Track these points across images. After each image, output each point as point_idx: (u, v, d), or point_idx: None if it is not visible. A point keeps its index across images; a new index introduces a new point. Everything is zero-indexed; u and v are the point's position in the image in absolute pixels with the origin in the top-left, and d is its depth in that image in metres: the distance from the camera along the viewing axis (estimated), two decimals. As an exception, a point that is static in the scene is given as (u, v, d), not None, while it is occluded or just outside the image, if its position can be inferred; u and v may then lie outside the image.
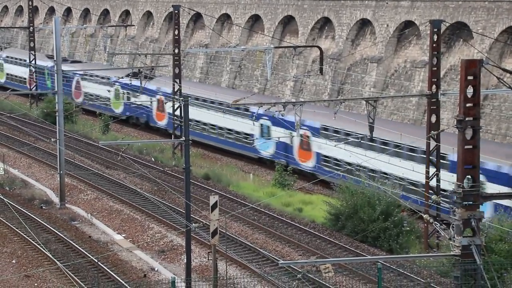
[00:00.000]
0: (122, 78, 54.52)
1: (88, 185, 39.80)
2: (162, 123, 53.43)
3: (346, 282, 26.93)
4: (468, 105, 15.22)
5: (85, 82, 61.50)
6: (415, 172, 33.96)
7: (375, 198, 31.09)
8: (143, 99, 53.30)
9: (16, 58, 71.30)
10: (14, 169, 43.62)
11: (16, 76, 70.25)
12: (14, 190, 39.35)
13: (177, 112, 46.11)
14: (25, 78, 67.24)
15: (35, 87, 63.69)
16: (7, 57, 73.12)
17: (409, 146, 35.66)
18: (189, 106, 26.00)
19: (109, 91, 58.04)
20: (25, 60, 66.42)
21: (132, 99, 55.48)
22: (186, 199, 25.68)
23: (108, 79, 58.05)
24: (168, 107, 50.05)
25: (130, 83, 53.24)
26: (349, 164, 37.62)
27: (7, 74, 71.91)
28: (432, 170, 30.69)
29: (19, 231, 32.22)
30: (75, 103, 58.70)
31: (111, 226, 33.72)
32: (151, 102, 53.01)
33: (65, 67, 54.98)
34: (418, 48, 46.16)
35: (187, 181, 25.50)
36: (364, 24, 50.10)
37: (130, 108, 56.01)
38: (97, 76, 59.59)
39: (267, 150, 45.30)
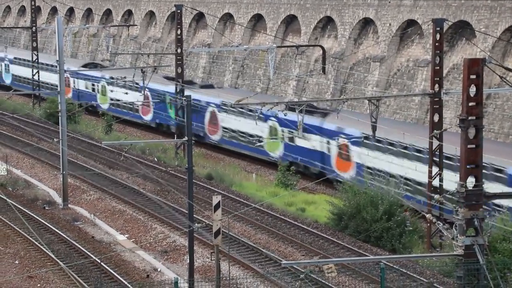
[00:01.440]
0: (280, 111, 36.34)
1: (91, 185, 39.80)
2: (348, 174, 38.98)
3: (349, 282, 26.89)
4: (470, 104, 15.18)
5: (224, 114, 47.00)
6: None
7: (378, 198, 31.04)
8: (316, 140, 40.46)
9: (117, 78, 56.53)
10: (17, 170, 43.65)
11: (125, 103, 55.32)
12: (17, 190, 39.37)
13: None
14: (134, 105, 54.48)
15: (152, 118, 53.30)
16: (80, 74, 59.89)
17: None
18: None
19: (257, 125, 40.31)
20: (137, 85, 50.37)
21: (300, 141, 41.63)
22: (189, 199, 25.66)
23: (257, 112, 38.32)
24: (356, 155, 38.07)
25: (285, 117, 35.29)
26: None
27: (110, 98, 57.94)
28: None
29: (22, 232, 32.23)
30: (209, 139, 47.82)
31: (114, 227, 33.72)
32: (328, 144, 39.97)
33: (196, 94, 46.37)
34: (421, 47, 46.09)
35: (190, 181, 25.48)
36: (366, 23, 50.05)
37: (293, 150, 42.79)
38: (240, 108, 43.06)
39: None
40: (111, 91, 57.40)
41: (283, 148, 43.36)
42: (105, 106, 58.11)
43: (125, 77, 53.16)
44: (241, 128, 46.14)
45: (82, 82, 60.52)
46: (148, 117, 54.49)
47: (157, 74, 50.95)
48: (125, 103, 54.41)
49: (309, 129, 39.26)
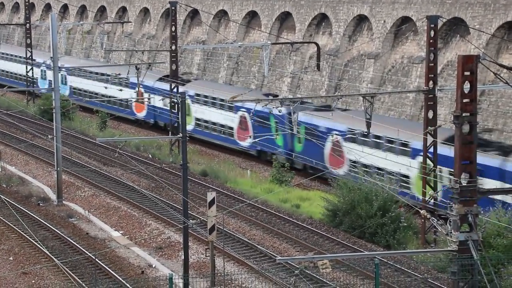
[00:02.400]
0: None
1: (86, 182, 39.78)
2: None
3: (343, 278, 26.96)
4: (465, 100, 15.22)
5: (348, 144, 38.25)
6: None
7: (373, 194, 31.11)
8: None
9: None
10: (11, 166, 43.59)
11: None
12: (11, 187, 39.31)
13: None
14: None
15: (251, 145, 44.84)
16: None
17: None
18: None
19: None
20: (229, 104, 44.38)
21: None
22: (183, 196, 25.68)
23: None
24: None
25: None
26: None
27: (196, 119, 49.83)
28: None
29: (16, 228, 32.20)
30: (332, 175, 36.80)
31: (109, 223, 33.71)
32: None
33: (305, 116, 39.58)
34: (415, 44, 46.15)
35: (184, 177, 25.49)
36: (361, 20, 50.09)
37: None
38: (377, 137, 36.50)
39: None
40: (197, 109, 48.25)
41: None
42: (188, 127, 46.71)
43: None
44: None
45: (159, 98, 49.77)
46: (246, 143, 45.87)
47: (256, 91, 46.27)
48: (214, 123, 47.17)
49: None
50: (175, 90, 45.91)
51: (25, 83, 64.12)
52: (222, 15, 61.20)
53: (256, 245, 29.99)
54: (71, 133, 47.97)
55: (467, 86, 15.27)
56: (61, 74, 60.03)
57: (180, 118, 26.46)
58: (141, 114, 54.99)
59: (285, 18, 55.97)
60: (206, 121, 48.70)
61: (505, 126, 39.60)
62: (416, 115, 44.22)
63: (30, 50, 63.34)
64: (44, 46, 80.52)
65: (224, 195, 36.76)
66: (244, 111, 44.75)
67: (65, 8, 79.86)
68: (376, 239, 30.61)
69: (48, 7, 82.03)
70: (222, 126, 47.22)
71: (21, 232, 31.63)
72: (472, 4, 42.21)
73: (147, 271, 28.14)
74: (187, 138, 25.62)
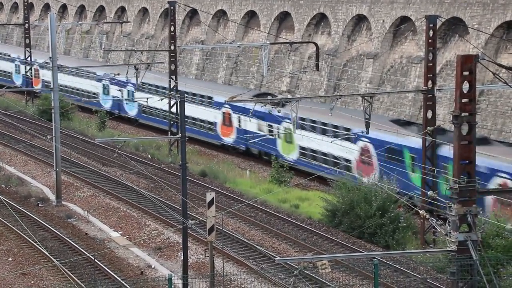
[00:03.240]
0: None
1: (85, 182, 39.76)
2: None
3: (343, 278, 26.94)
4: (464, 100, 15.21)
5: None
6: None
7: (372, 194, 31.10)
8: None
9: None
10: (10, 167, 43.56)
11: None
12: (10, 187, 39.29)
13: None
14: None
15: None
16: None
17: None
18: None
19: None
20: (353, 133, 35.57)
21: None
22: (182, 196, 25.66)
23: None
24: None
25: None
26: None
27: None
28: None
29: (15, 229, 32.18)
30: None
31: (108, 224, 33.70)
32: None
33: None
34: (414, 43, 46.15)
35: (183, 178, 25.48)
36: (360, 19, 50.08)
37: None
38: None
39: None
40: (302, 136, 39.67)
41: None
42: (291, 156, 41.36)
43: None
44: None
45: (252, 121, 42.43)
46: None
47: (382, 116, 39.38)
48: (325, 154, 39.09)
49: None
50: (174, 89, 45.89)
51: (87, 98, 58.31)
52: (221, 15, 61.18)
53: (256, 246, 29.98)
54: (70, 134, 47.95)
55: (466, 86, 15.26)
56: (128, 90, 53.95)
57: (179, 119, 26.43)
58: (229, 139, 46.34)
59: (284, 18, 55.96)
60: (313, 151, 39.98)
61: (504, 126, 39.60)
62: (415, 115, 44.22)
63: (29, 50, 63.31)
64: (43, 46, 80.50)
65: (223, 196, 36.74)
66: (367, 142, 36.77)
67: (64, 8, 79.83)
68: (375, 240, 30.60)
69: (47, 7, 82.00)
70: (336, 158, 38.98)
71: (20, 233, 31.61)
72: (471, 3, 42.21)
73: (147, 272, 28.13)
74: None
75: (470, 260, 15.22)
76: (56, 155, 36.85)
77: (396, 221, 30.55)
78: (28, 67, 63.67)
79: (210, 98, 47.10)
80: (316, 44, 46.08)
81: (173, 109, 46.43)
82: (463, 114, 15.23)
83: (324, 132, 38.85)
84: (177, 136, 26.37)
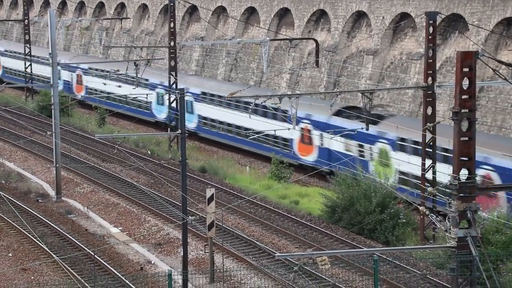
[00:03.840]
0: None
1: (84, 178, 39.78)
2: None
3: (342, 274, 26.98)
4: (463, 97, 15.22)
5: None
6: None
7: (371, 190, 31.12)
8: None
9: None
10: (10, 163, 43.57)
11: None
12: (10, 183, 39.30)
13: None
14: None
15: None
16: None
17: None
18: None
19: None
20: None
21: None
22: (182, 192, 25.68)
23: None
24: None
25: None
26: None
27: None
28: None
29: (15, 225, 32.20)
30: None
31: (108, 219, 33.72)
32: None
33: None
34: (414, 40, 46.14)
35: (183, 174, 25.50)
36: (360, 16, 50.07)
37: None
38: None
39: None
40: (403, 161, 34.41)
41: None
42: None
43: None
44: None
45: (337, 140, 37.95)
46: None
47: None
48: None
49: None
50: (174, 86, 45.88)
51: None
52: (220, 11, 61.15)
53: (255, 242, 30.01)
54: (70, 130, 47.96)
55: (466, 83, 15.27)
56: (188, 100, 48.51)
57: (179, 114, 26.45)
58: (309, 158, 41.34)
59: (283, 14, 55.93)
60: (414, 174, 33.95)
61: (504, 123, 39.61)
62: (415, 112, 44.23)
63: (28, 46, 63.27)
64: (42, 42, 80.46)
65: (223, 192, 36.77)
66: None
67: (63, 4, 79.76)
68: (375, 236, 30.63)
69: (46, 3, 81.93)
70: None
71: (20, 229, 31.64)
72: (471, 0, 42.20)
73: (146, 268, 28.16)
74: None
75: (469, 256, 15.25)
76: (56, 151, 36.86)
77: (396, 217, 30.57)
78: (27, 63, 63.57)
79: (285, 111, 38.20)
80: (316, 41, 46.08)
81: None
82: (463, 111, 15.24)
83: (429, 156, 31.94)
84: (177, 132, 26.38)
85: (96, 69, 58.66)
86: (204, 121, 48.44)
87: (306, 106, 38.32)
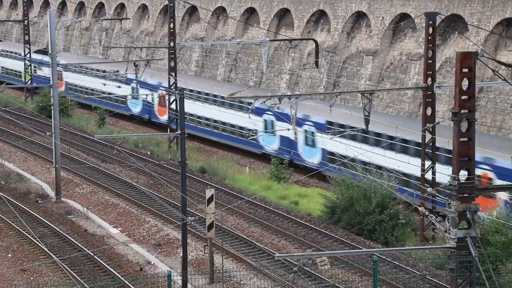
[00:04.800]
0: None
1: (84, 178, 39.77)
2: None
3: (342, 274, 26.98)
4: (463, 97, 15.22)
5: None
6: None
7: (371, 191, 31.11)
8: None
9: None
10: (9, 163, 43.56)
11: None
12: (9, 184, 39.29)
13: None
14: None
15: None
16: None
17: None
18: None
19: None
20: None
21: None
22: (182, 193, 25.67)
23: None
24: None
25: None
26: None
27: None
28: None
29: (14, 225, 32.19)
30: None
31: (107, 220, 33.71)
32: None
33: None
34: (414, 40, 46.14)
35: (183, 174, 25.49)
36: (359, 16, 50.07)
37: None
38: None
39: None
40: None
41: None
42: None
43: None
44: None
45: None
46: None
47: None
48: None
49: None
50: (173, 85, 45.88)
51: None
52: (220, 11, 61.15)
53: (255, 242, 30.00)
54: (70, 130, 47.95)
55: (465, 83, 15.27)
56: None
57: (179, 115, 26.44)
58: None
59: (283, 15, 55.94)
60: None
61: (503, 123, 39.61)
62: (414, 112, 44.23)
63: (28, 46, 63.29)
64: (42, 42, 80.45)
65: (223, 192, 36.76)
66: None
67: (63, 4, 79.75)
68: (375, 236, 30.63)
69: (46, 4, 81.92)
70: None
71: (20, 229, 31.63)
72: (471, 0, 42.20)
73: (146, 268, 28.15)
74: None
75: (469, 256, 15.25)
76: (56, 152, 36.85)
77: (396, 217, 30.57)
78: (28, 64, 63.56)
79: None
80: (315, 41, 46.08)
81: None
82: (462, 111, 15.24)
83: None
84: (176, 132, 26.37)
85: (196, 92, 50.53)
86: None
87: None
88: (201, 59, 61.88)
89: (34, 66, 62.88)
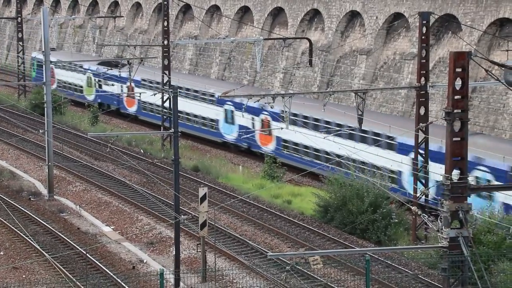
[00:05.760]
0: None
1: (77, 176, 39.69)
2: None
3: (334, 274, 27.00)
4: (456, 97, 15.24)
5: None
6: None
7: (364, 190, 31.15)
8: None
9: None
10: (2, 161, 43.45)
11: None
12: (2, 181, 39.18)
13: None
14: None
15: None
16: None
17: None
18: None
19: None
20: None
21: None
22: (175, 191, 25.65)
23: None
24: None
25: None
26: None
27: None
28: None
29: (7, 223, 32.12)
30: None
31: (100, 218, 33.66)
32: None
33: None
34: (407, 40, 46.20)
35: (176, 173, 25.47)
36: (353, 16, 50.10)
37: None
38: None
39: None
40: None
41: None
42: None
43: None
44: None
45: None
46: None
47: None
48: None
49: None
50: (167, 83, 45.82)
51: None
52: (214, 10, 61.11)
53: (248, 241, 30.00)
54: (63, 128, 47.84)
55: (458, 83, 15.29)
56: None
57: (172, 114, 26.42)
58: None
59: (277, 14, 55.93)
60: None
61: (496, 123, 39.70)
62: (408, 111, 44.28)
63: (21, 44, 63.13)
64: (35, 40, 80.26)
65: (216, 191, 36.75)
66: None
67: (56, 2, 79.57)
68: (367, 235, 30.66)
69: (39, 1, 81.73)
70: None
71: (12, 227, 31.55)
72: (464, 0, 42.28)
73: (138, 267, 28.11)
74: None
75: (461, 256, 15.27)
76: (48, 150, 36.77)
77: (388, 217, 30.60)
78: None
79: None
80: (309, 40, 46.09)
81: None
82: (455, 111, 15.26)
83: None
84: (170, 131, 26.35)
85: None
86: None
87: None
88: (195, 58, 61.83)
89: (99, 80, 57.90)
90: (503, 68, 33.82)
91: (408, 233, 31.11)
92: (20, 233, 30.68)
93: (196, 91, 49.34)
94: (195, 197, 33.26)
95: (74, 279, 25.96)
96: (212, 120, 47.91)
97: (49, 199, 36.40)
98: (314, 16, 52.96)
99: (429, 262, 27.17)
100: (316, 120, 39.91)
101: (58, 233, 30.90)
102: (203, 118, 48.55)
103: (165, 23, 45.74)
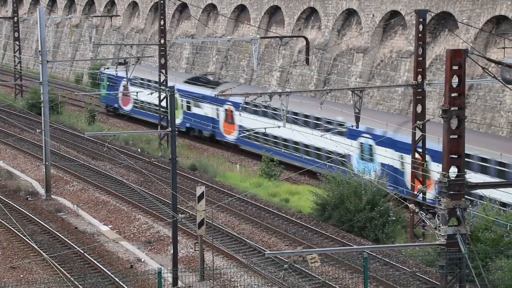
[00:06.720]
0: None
1: (74, 176, 39.68)
2: None
3: (332, 271, 27.03)
4: (453, 95, 15.25)
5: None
6: None
7: (361, 188, 31.17)
8: None
9: None
10: (-1, 161, 43.42)
11: None
12: (-1, 181, 39.18)
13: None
14: None
15: None
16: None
17: None
18: None
19: None
20: None
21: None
22: (172, 190, 25.66)
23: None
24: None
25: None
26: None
27: None
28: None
29: (4, 223, 32.09)
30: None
31: (97, 217, 33.66)
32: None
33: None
34: (404, 38, 46.24)
35: (173, 171, 25.47)
36: (350, 14, 50.12)
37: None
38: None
39: None
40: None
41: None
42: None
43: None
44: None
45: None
46: None
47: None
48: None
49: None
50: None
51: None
52: (211, 9, 61.08)
53: (245, 239, 30.02)
54: (60, 127, 47.82)
55: (455, 81, 15.31)
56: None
57: (169, 112, 26.42)
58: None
59: (274, 12, 55.93)
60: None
61: (493, 120, 39.75)
62: (405, 109, 44.32)
63: (18, 44, 63.04)
64: (32, 39, 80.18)
65: (213, 189, 36.75)
66: None
67: (53, 1, 79.47)
68: (365, 233, 30.70)
69: (36, 1, 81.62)
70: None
71: (9, 227, 31.53)
72: (461, -2, 42.31)
73: (136, 266, 28.12)
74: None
75: (459, 253, 15.29)
76: (46, 149, 36.75)
77: (386, 215, 30.64)
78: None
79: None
80: (306, 38, 46.10)
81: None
82: (452, 108, 15.27)
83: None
84: (167, 130, 26.36)
85: None
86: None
87: None
88: (192, 56, 61.81)
89: (188, 102, 49.34)
90: (499, 66, 33.85)
91: (406, 230, 31.14)
92: (18, 233, 30.67)
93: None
94: (192, 196, 33.26)
95: (72, 279, 25.96)
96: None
97: (46, 198, 36.37)
98: (310, 14, 52.98)
99: (427, 260, 27.21)
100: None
101: (56, 232, 30.89)
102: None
103: (162, 22, 45.72)
